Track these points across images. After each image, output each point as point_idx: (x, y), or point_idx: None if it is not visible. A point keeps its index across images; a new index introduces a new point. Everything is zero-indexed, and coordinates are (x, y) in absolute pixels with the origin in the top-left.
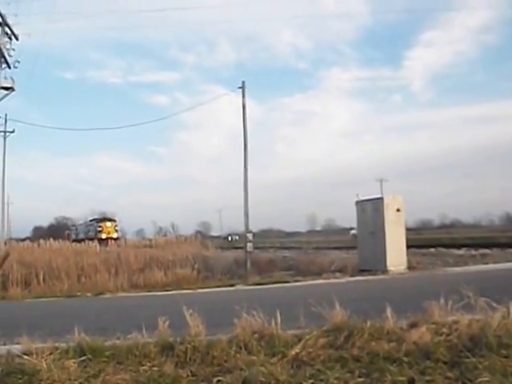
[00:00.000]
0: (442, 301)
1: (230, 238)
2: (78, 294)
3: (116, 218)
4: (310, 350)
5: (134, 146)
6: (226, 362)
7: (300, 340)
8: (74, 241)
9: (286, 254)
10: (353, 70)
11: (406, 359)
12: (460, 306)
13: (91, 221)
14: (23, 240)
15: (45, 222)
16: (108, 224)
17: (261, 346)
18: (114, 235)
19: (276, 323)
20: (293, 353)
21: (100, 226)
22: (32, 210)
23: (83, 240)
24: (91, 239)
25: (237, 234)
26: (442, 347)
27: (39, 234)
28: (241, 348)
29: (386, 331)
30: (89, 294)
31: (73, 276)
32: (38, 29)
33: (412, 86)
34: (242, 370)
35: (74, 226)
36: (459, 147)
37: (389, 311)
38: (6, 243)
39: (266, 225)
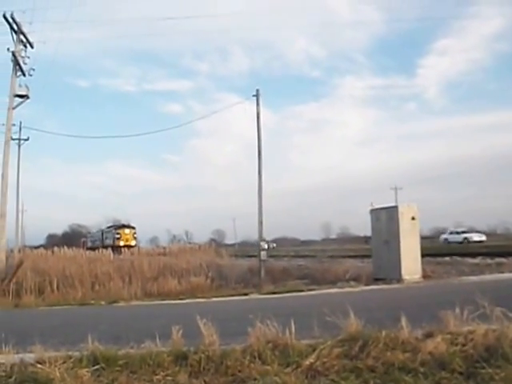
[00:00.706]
0: (457, 310)
1: (270, 246)
2: (92, 302)
3: (134, 225)
4: (325, 359)
5: (148, 154)
6: (239, 371)
7: (314, 350)
8: (90, 249)
9: (300, 263)
10: (366, 78)
11: (421, 369)
12: (476, 315)
13: (109, 228)
14: (37, 248)
15: (59, 230)
16: (126, 231)
17: (275, 356)
18: (133, 243)
19: (290, 333)
20: (307, 363)
21: (118, 233)
22: (46, 217)
23: (100, 248)
24: (109, 247)
25: (274, 242)
26: (457, 357)
27: (53, 241)
28: (255, 358)
29: (401, 341)
30: (102, 303)
31: (86, 284)
32: (52, 37)
33: (426, 94)
34: (255, 379)
35: (89, 233)
36: (473, 155)
37: (404, 321)
38: (19, 251)
39: (281, 233)
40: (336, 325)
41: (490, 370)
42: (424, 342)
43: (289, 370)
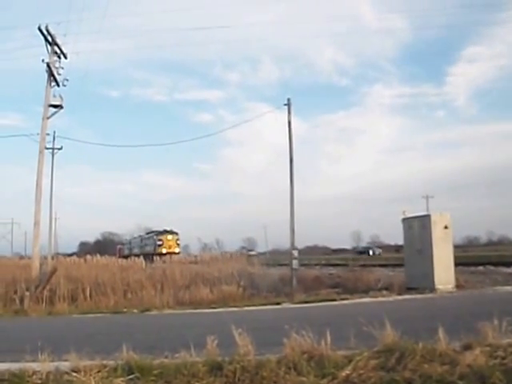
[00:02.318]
0: (495, 322)
1: (370, 252)
2: (125, 310)
3: (178, 231)
4: (361, 371)
5: (179, 163)
6: (275, 382)
7: (350, 361)
8: (126, 257)
9: (331, 271)
10: (395, 86)
11: (459, 383)
12: None
13: (149, 234)
14: (70, 255)
15: (91, 238)
16: (169, 237)
17: (310, 367)
18: (176, 249)
19: (326, 343)
20: (343, 374)
21: (160, 240)
22: (79, 225)
23: (138, 255)
24: (149, 254)
25: (380, 248)
26: (497, 371)
27: (85, 249)
28: (290, 368)
29: (438, 353)
30: (135, 311)
31: (119, 292)
32: (85, 48)
33: (455, 101)
34: None
35: (126, 240)
36: (504, 162)
37: (441, 332)
38: (53, 258)
39: (311, 242)
40: (371, 335)
41: None
42: (462, 355)
43: (325, 381)
